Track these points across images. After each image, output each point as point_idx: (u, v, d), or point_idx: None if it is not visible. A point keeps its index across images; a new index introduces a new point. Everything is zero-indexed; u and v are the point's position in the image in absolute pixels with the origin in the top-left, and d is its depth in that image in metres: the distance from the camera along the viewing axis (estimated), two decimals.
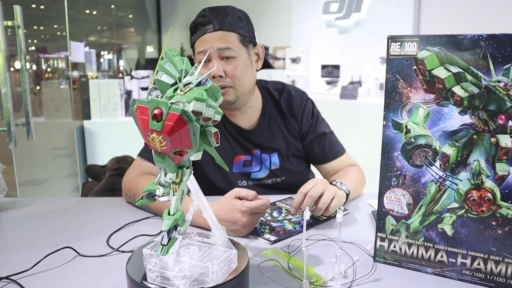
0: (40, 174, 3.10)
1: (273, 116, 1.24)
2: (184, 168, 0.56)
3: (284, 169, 1.24)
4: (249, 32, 1.14)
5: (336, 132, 1.29)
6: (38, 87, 3.64)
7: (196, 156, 0.62)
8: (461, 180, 0.67)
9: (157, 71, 0.59)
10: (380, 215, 0.75)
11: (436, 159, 0.69)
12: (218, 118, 0.51)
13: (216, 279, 0.60)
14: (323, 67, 3.81)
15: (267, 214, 1.01)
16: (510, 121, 0.62)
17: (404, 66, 0.68)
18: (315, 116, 1.27)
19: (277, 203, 1.09)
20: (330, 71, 3.79)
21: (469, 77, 0.64)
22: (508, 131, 0.63)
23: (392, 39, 0.69)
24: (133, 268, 0.64)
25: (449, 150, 0.67)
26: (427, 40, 0.66)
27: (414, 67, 0.68)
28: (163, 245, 0.56)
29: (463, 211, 0.68)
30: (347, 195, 1.03)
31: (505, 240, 0.65)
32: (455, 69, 0.65)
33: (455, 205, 0.68)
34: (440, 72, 0.66)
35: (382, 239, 0.76)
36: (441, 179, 0.69)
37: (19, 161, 2.50)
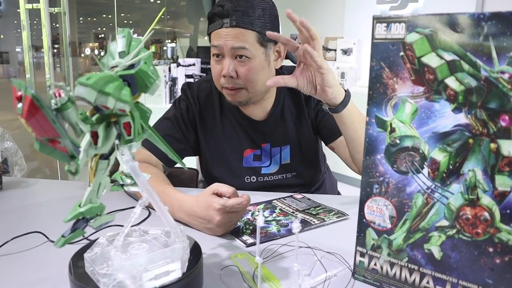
0: None
1: (287, 104, 1.17)
2: (99, 158, 0.50)
3: (295, 163, 1.16)
4: (271, 29, 1.03)
5: None
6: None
7: (136, 146, 0.56)
8: (452, 194, 0.55)
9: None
10: (360, 226, 0.65)
11: (424, 166, 0.57)
12: (122, 107, 0.44)
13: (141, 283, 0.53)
14: None
15: (256, 213, 0.93)
16: None
17: (390, 52, 0.57)
18: None
19: (273, 201, 1.00)
20: None
21: (466, 67, 0.51)
22: None
23: (377, 19, 0.58)
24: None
25: (440, 156, 0.55)
26: (417, 21, 0.54)
27: (401, 53, 0.56)
28: (63, 236, 0.52)
29: (454, 231, 0.56)
30: (346, 92, 0.95)
31: (504, 272, 0.52)
32: (449, 56, 0.52)
33: (445, 223, 0.56)
34: (432, 60, 0.54)
35: (362, 255, 0.65)
36: (429, 190, 0.57)
37: None
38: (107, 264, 0.55)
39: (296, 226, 0.55)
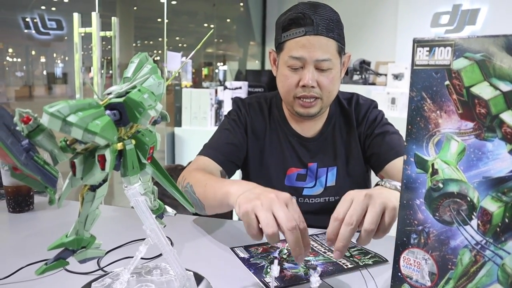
0: None
1: (338, 125, 1.13)
2: (87, 189, 0.46)
3: (340, 187, 1.10)
4: (344, 39, 1.03)
5: None
6: None
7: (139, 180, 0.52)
8: (509, 253, 0.45)
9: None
10: (395, 281, 0.55)
11: (473, 217, 0.47)
12: (92, 139, 0.39)
13: None
14: None
15: (285, 251, 0.85)
16: None
17: (433, 81, 0.49)
18: (379, 118, 1.12)
19: None
20: None
21: None
22: None
23: (418, 42, 0.50)
24: None
25: (493, 206, 0.46)
26: (467, 44, 0.46)
27: (447, 82, 0.48)
28: (45, 264, 0.49)
29: None
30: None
31: None
32: (506, 87, 0.44)
33: (499, 287, 0.46)
34: (484, 90, 0.45)
35: None
36: (479, 246, 0.47)
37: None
38: None
39: (314, 280, 0.47)
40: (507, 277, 0.45)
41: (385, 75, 3.91)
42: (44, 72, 5.03)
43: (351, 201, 0.65)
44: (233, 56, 6.56)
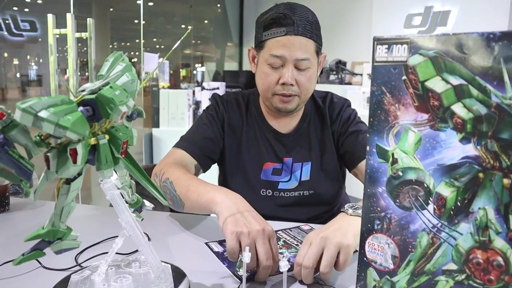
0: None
1: (313, 122, 1.17)
2: (63, 182, 0.48)
3: (315, 181, 1.14)
4: (321, 40, 1.08)
5: None
6: None
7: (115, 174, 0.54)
8: (461, 234, 0.49)
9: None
10: (361, 265, 0.59)
11: (429, 202, 0.51)
12: (63, 133, 0.41)
13: None
14: None
15: None
16: None
17: (392, 76, 0.52)
18: (353, 117, 1.17)
19: (278, 232, 0.95)
20: None
21: (475, 92, 0.46)
22: None
23: (378, 40, 0.54)
24: None
25: (446, 191, 0.49)
26: (421, 42, 0.49)
27: (404, 77, 0.51)
28: (22, 255, 0.51)
29: (463, 276, 0.49)
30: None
31: None
32: (456, 81, 0.47)
33: (453, 266, 0.50)
34: (436, 84, 0.49)
35: None
36: (435, 229, 0.51)
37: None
38: None
39: (283, 264, 0.50)
40: (460, 256, 0.49)
41: (361, 74, 3.99)
42: (18, 75, 4.92)
43: (310, 244, 0.71)
44: (211, 57, 6.56)
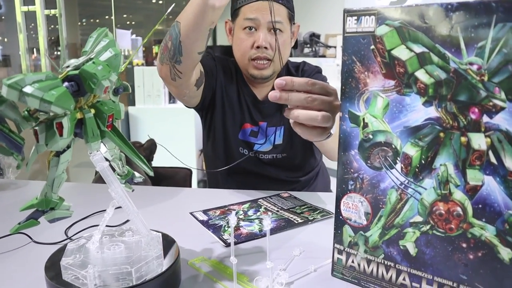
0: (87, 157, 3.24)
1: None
2: (53, 155, 0.50)
3: (287, 145, 1.21)
4: (293, 9, 1.14)
5: None
6: None
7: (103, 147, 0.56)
8: (425, 189, 0.54)
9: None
10: (338, 224, 0.64)
11: (397, 161, 0.56)
12: (48, 108, 0.43)
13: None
14: None
15: (241, 212, 0.92)
16: (484, 115, 0.48)
17: (361, 46, 0.56)
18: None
19: (259, 200, 0.99)
20: None
21: (435, 59, 0.50)
22: (482, 129, 0.48)
23: (348, 12, 0.57)
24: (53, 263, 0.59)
25: (412, 151, 0.54)
26: (387, 13, 0.53)
27: (372, 47, 0.55)
28: (18, 224, 0.54)
29: (428, 227, 0.55)
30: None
31: (478, 268, 0.51)
32: (418, 49, 0.51)
33: (419, 219, 0.55)
34: (401, 53, 0.53)
35: (340, 252, 0.64)
36: (403, 186, 0.56)
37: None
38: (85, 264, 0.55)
39: (266, 223, 0.54)
40: (425, 209, 0.54)
41: (335, 47, 4.02)
42: None
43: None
44: None
